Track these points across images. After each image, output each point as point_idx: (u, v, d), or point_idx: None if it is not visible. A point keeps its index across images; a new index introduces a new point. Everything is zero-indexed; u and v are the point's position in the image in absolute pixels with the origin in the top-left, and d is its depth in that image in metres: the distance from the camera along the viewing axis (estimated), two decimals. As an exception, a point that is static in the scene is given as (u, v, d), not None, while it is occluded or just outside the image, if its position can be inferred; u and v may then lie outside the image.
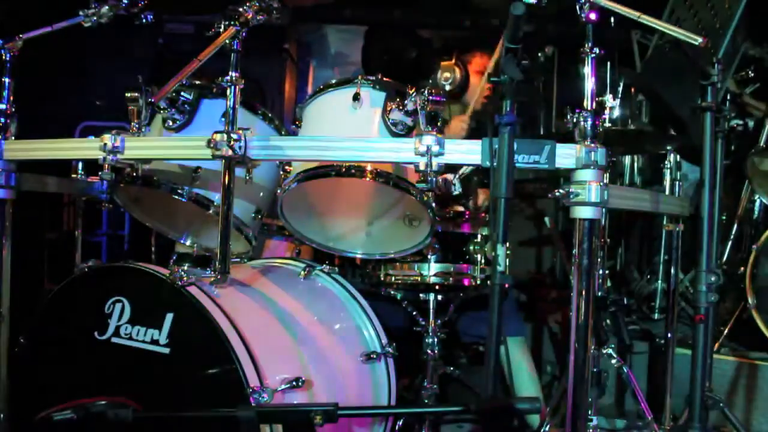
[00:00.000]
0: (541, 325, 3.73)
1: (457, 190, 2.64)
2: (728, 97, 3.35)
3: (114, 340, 1.88)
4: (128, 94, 1.91)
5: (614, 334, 2.72)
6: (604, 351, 2.52)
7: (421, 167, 1.73)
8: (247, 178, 1.92)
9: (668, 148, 3.27)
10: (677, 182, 2.56)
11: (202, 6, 4.39)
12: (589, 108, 1.69)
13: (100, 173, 1.91)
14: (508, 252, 1.58)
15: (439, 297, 2.52)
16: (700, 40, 1.75)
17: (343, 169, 1.98)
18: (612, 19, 3.31)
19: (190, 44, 4.39)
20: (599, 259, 2.63)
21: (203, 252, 2.36)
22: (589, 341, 1.70)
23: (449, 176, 2.73)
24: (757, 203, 3.50)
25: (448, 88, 3.09)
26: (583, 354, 1.68)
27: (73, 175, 2.39)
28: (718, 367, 2.89)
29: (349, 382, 2.17)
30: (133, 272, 1.94)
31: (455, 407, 1.49)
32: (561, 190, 1.70)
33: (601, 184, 1.67)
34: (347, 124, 2.05)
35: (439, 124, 1.91)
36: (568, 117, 1.70)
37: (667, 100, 3.28)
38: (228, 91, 1.83)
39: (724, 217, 3.44)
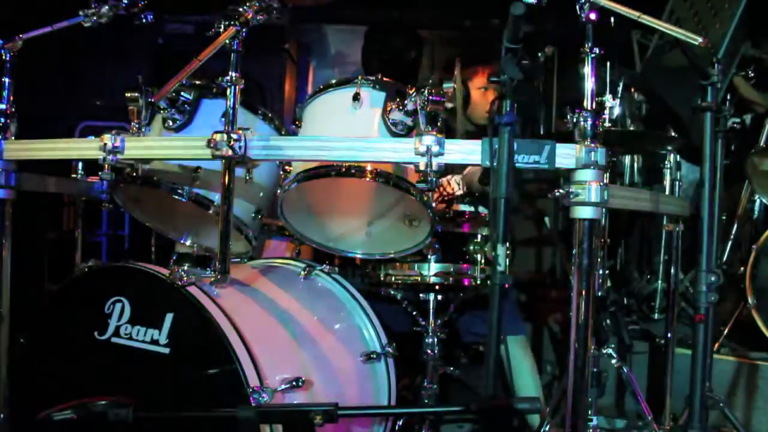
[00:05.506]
0: (541, 325, 3.73)
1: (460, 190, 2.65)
2: (728, 96, 3.35)
3: (114, 340, 1.88)
4: (128, 94, 1.91)
5: (614, 334, 2.72)
6: (604, 351, 2.52)
7: (421, 167, 1.73)
8: (247, 178, 1.92)
9: (668, 148, 3.27)
10: (677, 182, 2.56)
11: (202, 6, 4.39)
12: (589, 108, 1.69)
13: (100, 173, 1.91)
14: (508, 252, 1.58)
15: (439, 297, 2.52)
16: (700, 40, 1.75)
17: (343, 169, 1.98)
18: (612, 19, 3.30)
19: (190, 44, 4.38)
20: (599, 259, 2.63)
21: (203, 252, 2.36)
22: (589, 341, 1.70)
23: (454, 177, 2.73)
24: (757, 203, 3.50)
25: (449, 105, 3.08)
26: (583, 354, 1.68)
27: (73, 175, 2.39)
28: (718, 367, 2.89)
29: (349, 382, 2.17)
30: (133, 272, 1.94)
31: (455, 407, 1.49)
32: (561, 190, 1.70)
33: (601, 184, 1.67)
34: (347, 124, 2.05)
35: (438, 124, 1.91)
36: (568, 117, 1.71)
37: (667, 100, 3.28)
38: (228, 91, 1.83)
39: (724, 217, 3.44)
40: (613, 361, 2.55)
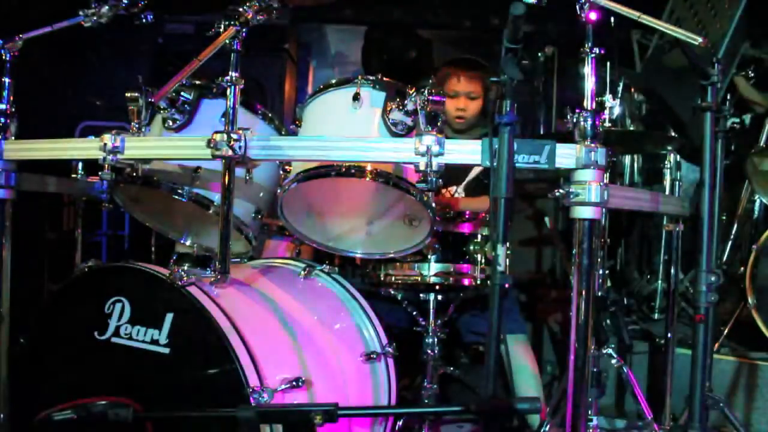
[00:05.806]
0: (541, 325, 3.73)
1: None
2: (728, 96, 3.35)
3: (114, 340, 1.88)
4: (128, 94, 1.91)
5: (614, 334, 2.72)
6: (604, 351, 2.52)
7: (421, 167, 1.73)
8: (247, 178, 1.92)
9: (668, 148, 3.27)
10: (677, 182, 2.56)
11: (202, 6, 4.39)
12: (589, 108, 1.69)
13: (100, 173, 1.91)
14: (508, 252, 1.57)
15: (439, 297, 2.52)
16: (700, 40, 1.75)
17: (343, 169, 1.98)
18: (612, 19, 3.31)
19: (190, 44, 4.39)
20: (599, 259, 2.63)
21: (203, 252, 2.36)
22: (589, 341, 1.70)
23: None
24: (757, 203, 3.51)
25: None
26: (583, 354, 1.68)
27: (73, 175, 2.39)
28: (718, 367, 2.89)
29: (349, 382, 2.16)
30: (133, 272, 1.94)
31: (455, 407, 1.49)
32: (561, 190, 1.70)
33: (601, 184, 1.68)
34: (347, 124, 2.05)
35: (438, 123, 1.91)
36: (568, 117, 1.71)
37: (667, 100, 3.29)
38: (228, 91, 1.83)
39: (724, 217, 3.44)
40: (613, 361, 2.55)
